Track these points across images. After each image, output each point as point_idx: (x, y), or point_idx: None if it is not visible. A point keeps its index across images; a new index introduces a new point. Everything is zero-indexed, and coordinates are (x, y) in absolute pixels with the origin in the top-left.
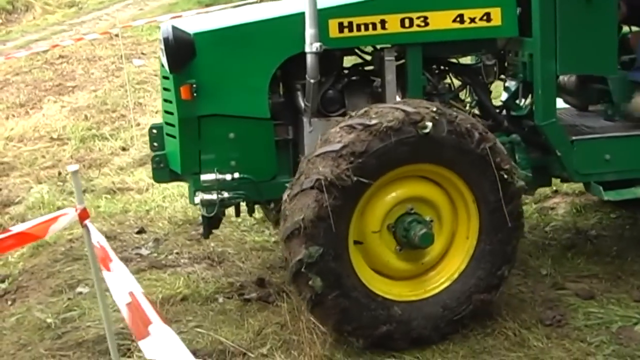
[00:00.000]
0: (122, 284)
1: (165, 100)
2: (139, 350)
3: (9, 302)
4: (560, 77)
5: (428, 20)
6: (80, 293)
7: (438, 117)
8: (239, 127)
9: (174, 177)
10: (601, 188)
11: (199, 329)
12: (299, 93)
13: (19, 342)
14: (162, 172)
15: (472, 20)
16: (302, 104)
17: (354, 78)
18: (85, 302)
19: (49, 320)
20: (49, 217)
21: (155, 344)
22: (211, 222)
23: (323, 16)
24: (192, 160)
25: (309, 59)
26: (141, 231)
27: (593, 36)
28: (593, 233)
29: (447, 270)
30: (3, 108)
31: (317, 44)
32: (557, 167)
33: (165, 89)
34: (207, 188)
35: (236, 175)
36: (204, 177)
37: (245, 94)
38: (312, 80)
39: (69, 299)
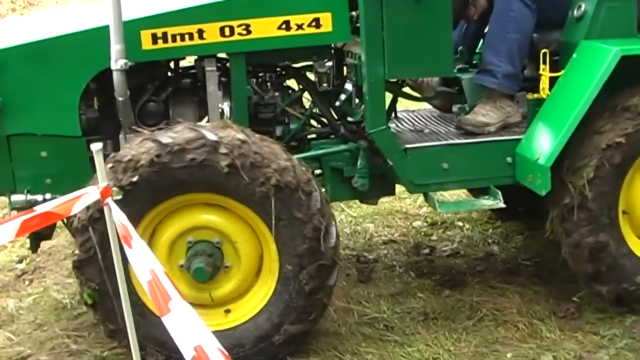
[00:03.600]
0: (143, 261)
1: None
2: None
3: (26, 283)
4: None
5: (251, 28)
6: None
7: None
8: (50, 146)
9: None
10: (436, 199)
11: None
12: (116, 107)
13: (35, 321)
14: None
15: (300, 27)
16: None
17: (182, 84)
18: None
19: (65, 301)
20: (72, 196)
21: (176, 320)
22: (37, 237)
23: (134, 27)
24: (6, 180)
25: (116, 77)
26: None
27: (424, 37)
28: None
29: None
30: None
31: (123, 61)
32: (395, 176)
33: None
34: (20, 209)
35: (48, 195)
36: (14, 197)
37: (53, 111)
38: (120, 98)
39: None
